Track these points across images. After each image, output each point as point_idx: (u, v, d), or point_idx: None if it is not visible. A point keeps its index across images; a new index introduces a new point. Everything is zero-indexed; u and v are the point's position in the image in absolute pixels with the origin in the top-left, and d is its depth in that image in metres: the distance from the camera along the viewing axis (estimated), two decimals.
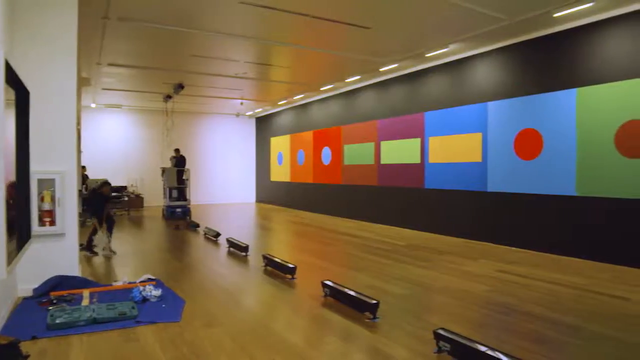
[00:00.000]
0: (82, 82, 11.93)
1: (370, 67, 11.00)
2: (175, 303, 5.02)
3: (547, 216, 8.05)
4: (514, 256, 7.82)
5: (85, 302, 4.99)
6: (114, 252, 8.01)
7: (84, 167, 14.13)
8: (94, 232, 8.07)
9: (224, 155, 20.52)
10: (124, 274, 6.35)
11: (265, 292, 5.83)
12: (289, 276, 6.26)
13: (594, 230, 7.35)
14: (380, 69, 11.12)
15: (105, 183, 8.65)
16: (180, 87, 13.11)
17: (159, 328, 4.26)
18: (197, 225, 11.73)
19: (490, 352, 3.32)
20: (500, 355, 3.26)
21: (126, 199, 15.76)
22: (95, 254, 7.94)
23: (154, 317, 4.51)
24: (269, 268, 6.84)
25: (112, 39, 8.70)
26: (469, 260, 7.52)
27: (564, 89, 7.77)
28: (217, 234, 9.77)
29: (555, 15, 7.12)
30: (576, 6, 6.74)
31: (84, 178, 13.58)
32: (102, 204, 8.29)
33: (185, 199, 14.47)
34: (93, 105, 17.12)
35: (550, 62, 8.05)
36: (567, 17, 7.32)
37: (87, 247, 7.96)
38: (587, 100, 7.42)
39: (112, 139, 18.02)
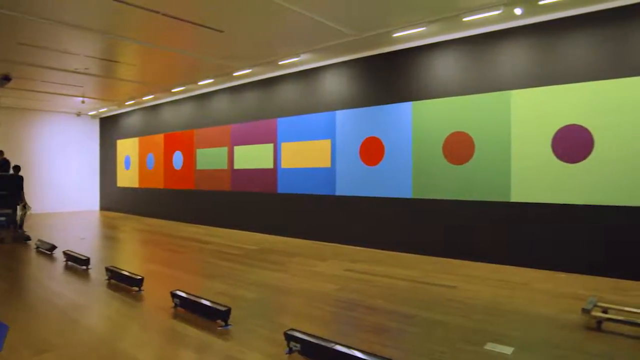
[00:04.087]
0: None
1: (224, 71, 10.92)
2: None
3: (388, 217, 8.84)
4: (359, 255, 8.42)
5: None
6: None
7: None
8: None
9: (62, 159, 18.44)
10: None
11: (109, 308, 5.39)
12: (136, 289, 5.90)
13: (426, 228, 8.30)
14: (234, 74, 11.10)
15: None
16: (5, 79, 11.48)
17: None
18: (28, 238, 10.37)
19: (335, 347, 3.55)
20: (343, 349, 3.51)
21: None
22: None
23: None
24: (113, 281, 6.36)
25: None
26: (318, 261, 7.90)
27: (401, 101, 8.64)
28: (53, 247, 8.74)
29: (394, 35, 7.93)
30: (411, 29, 7.60)
31: None
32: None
33: (9, 207, 12.66)
34: None
35: (390, 76, 8.88)
36: (404, 38, 8.19)
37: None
38: (420, 113, 8.37)
39: None
